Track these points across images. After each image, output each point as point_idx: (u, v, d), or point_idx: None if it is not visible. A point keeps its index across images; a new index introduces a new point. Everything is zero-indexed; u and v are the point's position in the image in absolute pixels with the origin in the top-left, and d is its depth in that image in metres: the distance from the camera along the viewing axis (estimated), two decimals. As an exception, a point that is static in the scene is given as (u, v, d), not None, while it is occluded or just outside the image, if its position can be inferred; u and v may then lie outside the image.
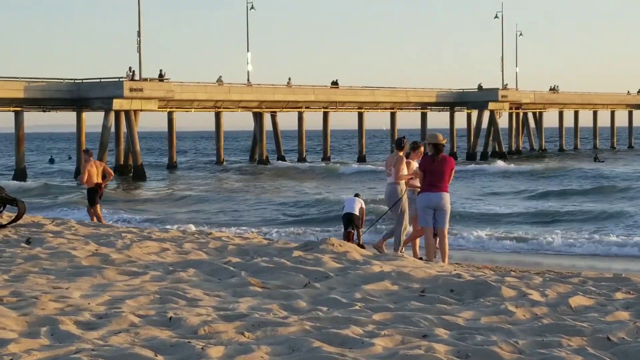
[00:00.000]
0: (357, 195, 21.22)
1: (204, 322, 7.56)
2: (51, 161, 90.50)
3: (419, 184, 14.35)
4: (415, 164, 14.75)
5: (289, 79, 70.68)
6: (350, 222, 20.01)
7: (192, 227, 23.78)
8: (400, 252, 14.19)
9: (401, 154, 14.81)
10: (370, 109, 76.19)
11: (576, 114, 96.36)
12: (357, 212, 20.06)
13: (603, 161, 72.31)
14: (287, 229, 27.20)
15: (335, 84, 73.58)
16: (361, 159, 76.54)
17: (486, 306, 8.55)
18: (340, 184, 51.56)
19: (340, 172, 61.99)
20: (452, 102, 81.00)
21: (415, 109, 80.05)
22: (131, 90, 56.89)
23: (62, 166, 79.60)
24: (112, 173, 22.51)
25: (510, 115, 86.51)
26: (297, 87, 70.32)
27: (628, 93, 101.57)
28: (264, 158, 70.81)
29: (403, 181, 14.80)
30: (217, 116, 68.54)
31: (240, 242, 14.07)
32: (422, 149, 15.07)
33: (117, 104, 57.05)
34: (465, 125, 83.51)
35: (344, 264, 11.15)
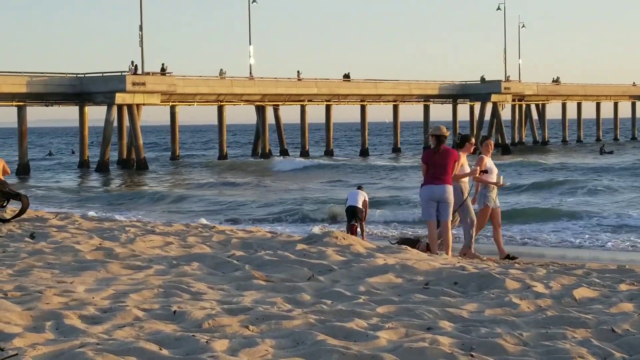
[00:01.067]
0: (360, 187, 21.19)
1: (208, 315, 7.57)
2: (50, 154, 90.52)
3: (491, 179, 14.14)
4: (464, 159, 14.08)
5: (298, 72, 70.56)
6: (353, 215, 20.01)
7: (204, 221, 23.67)
8: (472, 251, 13.92)
9: (462, 152, 14.12)
10: (373, 101, 76.13)
11: (579, 105, 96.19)
12: (360, 205, 20.05)
13: (612, 152, 71.55)
14: None
15: (347, 77, 73.57)
16: (364, 152, 76.54)
17: (490, 298, 8.56)
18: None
19: (275, 170, 57.44)
20: (455, 94, 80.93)
21: (418, 101, 79.98)
22: (134, 84, 56.89)
23: (55, 160, 78.32)
24: (9, 171, 23.25)
25: (513, 107, 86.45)
26: (300, 80, 70.28)
27: (634, 84, 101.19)
28: (267, 152, 70.81)
29: (465, 179, 14.10)
30: (220, 110, 68.54)
31: (244, 235, 14.08)
32: (472, 140, 14.44)
33: (119, 98, 57.06)
34: (468, 118, 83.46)
35: (348, 257, 11.15)
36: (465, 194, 14.10)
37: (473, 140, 14.61)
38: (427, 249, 13.87)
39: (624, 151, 75.73)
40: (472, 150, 14.47)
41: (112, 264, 10.74)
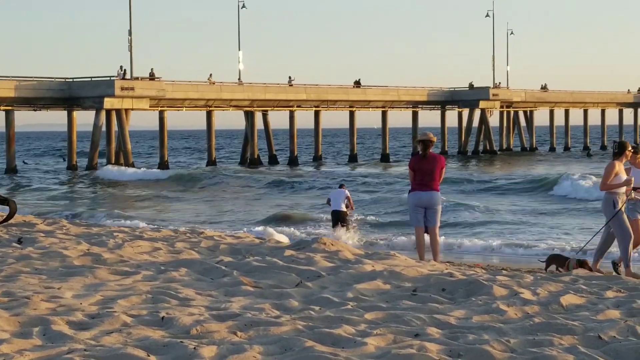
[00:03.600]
0: (341, 186, 21.20)
1: (196, 321, 7.56)
2: (24, 163, 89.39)
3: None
4: (619, 167, 12.79)
5: (290, 77, 70.48)
6: (338, 219, 20.06)
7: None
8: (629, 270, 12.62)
9: (619, 160, 12.83)
10: (361, 107, 76.19)
11: (567, 112, 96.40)
12: (344, 208, 20.09)
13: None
14: None
15: (357, 83, 73.88)
16: (352, 159, 76.52)
17: (478, 305, 8.58)
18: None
19: (98, 177, 54.45)
20: (444, 100, 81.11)
21: (407, 107, 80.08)
22: (122, 89, 56.82)
23: (37, 167, 76.35)
24: None
25: (501, 113, 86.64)
26: (291, 85, 70.24)
27: (628, 92, 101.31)
28: (256, 157, 70.74)
29: (620, 190, 12.73)
30: (209, 115, 68.44)
31: (232, 241, 14.06)
32: (630, 148, 13.01)
33: (108, 102, 56.98)
34: (456, 124, 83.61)
35: (336, 263, 11.16)
36: (619, 206, 12.73)
37: (631, 147, 13.14)
38: (578, 266, 12.77)
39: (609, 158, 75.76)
40: (629, 157, 13.14)
41: (100, 270, 10.71)
